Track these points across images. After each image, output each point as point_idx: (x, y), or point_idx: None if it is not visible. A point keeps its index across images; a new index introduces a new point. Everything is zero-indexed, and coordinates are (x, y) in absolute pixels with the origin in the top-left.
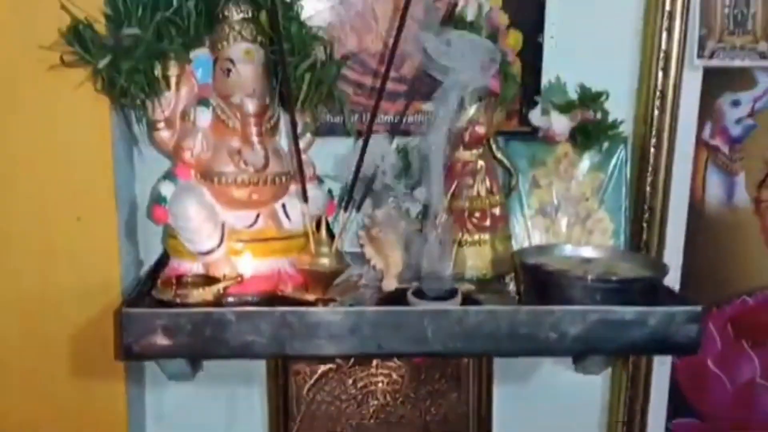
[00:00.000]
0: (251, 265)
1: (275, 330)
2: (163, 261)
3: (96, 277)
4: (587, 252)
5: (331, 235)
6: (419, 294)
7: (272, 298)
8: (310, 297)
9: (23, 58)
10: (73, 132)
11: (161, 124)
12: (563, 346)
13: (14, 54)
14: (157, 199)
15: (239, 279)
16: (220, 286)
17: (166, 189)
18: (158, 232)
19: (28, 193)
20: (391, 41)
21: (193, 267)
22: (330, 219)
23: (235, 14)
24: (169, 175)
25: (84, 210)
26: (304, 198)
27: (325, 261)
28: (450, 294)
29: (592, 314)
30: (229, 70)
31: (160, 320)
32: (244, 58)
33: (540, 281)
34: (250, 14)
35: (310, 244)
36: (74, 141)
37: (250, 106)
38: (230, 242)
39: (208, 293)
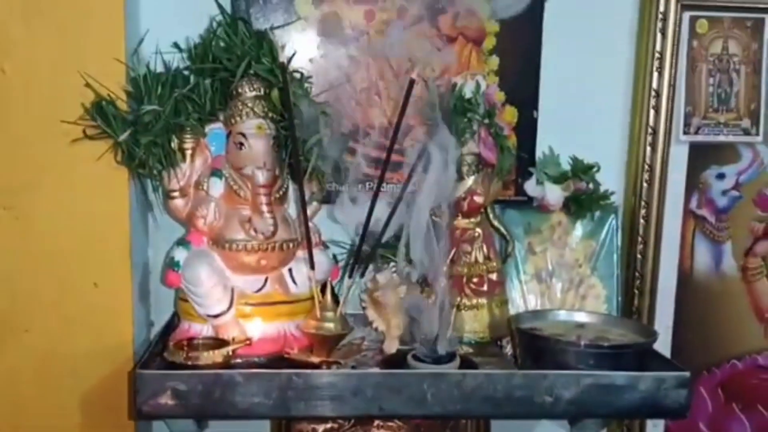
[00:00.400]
0: (259, 328)
1: (281, 391)
2: (172, 322)
3: (109, 340)
4: (581, 317)
5: (335, 300)
6: (419, 357)
7: (278, 360)
8: (315, 359)
9: (48, 132)
10: (93, 202)
11: (176, 193)
12: (558, 409)
13: (40, 127)
14: (171, 264)
15: (248, 342)
16: (230, 348)
17: (180, 254)
18: (168, 293)
19: (48, 259)
20: (394, 116)
21: (203, 329)
22: (334, 283)
23: (248, 91)
24: (182, 242)
25: (100, 276)
26: (311, 264)
27: (329, 325)
28: (449, 357)
29: (585, 378)
30: (241, 144)
31: (171, 381)
32: (256, 132)
33: (535, 346)
34: (262, 92)
35: (315, 309)
36: (94, 210)
37: (261, 177)
38: (239, 306)
39: (217, 356)
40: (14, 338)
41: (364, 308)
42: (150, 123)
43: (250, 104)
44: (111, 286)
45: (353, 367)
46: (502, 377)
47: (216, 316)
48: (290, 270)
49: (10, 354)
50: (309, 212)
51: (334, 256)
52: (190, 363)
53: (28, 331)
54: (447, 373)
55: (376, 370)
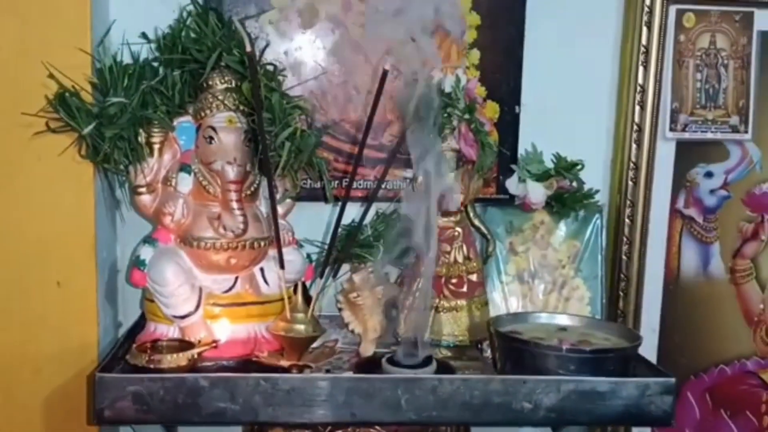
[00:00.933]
0: (228, 330)
1: (249, 396)
2: (141, 324)
3: (74, 341)
4: (563, 320)
5: (307, 301)
6: (394, 361)
7: (247, 364)
8: (285, 363)
9: (9, 124)
10: (56, 197)
11: (143, 189)
12: (537, 416)
13: (0, 119)
14: (136, 263)
15: (214, 344)
16: (195, 351)
17: (146, 253)
18: (138, 293)
19: (9, 256)
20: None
21: (169, 331)
22: (308, 283)
23: (219, 84)
24: (148, 239)
25: (64, 275)
26: (281, 264)
27: (300, 327)
28: (425, 361)
29: (566, 384)
30: (211, 138)
31: (131, 386)
32: (227, 126)
33: (515, 350)
34: (233, 84)
35: (285, 310)
36: (57, 206)
37: (231, 173)
38: (207, 306)
39: (182, 359)
40: None
41: (340, 310)
42: (116, 115)
43: (220, 97)
44: (75, 286)
45: (328, 371)
46: (479, 383)
47: (182, 317)
48: (262, 269)
49: None
50: (282, 209)
51: (309, 256)
52: (152, 366)
53: None
54: (422, 378)
55: (348, 374)
